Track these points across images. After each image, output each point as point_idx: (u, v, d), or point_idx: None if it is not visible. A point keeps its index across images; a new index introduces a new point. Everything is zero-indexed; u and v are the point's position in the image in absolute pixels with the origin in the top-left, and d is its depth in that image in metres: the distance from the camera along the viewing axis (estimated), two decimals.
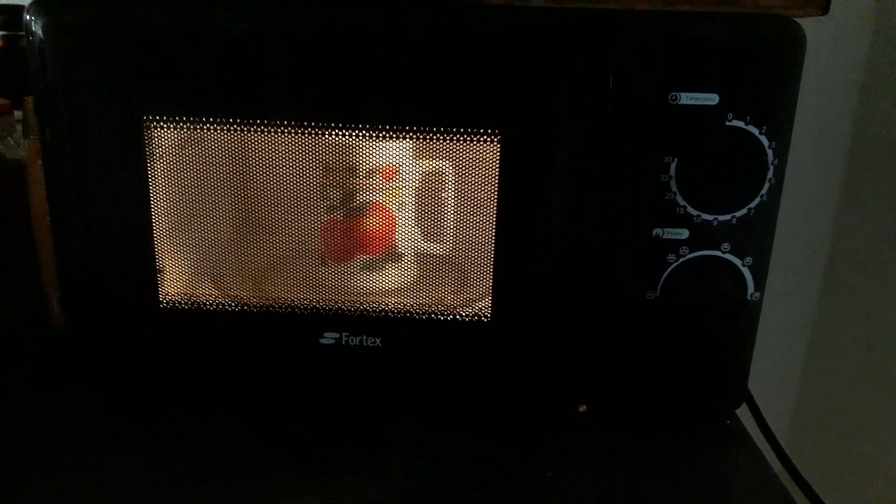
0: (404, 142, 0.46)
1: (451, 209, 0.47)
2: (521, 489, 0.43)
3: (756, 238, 0.44)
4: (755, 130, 0.42)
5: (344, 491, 0.42)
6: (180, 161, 0.45)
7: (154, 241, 0.45)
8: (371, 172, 0.48)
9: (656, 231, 0.44)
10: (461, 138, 0.43)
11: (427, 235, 0.49)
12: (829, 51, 0.74)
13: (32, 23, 0.41)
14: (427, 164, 0.48)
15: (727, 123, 0.42)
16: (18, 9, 0.60)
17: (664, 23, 0.41)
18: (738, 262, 0.45)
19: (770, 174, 0.43)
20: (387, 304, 0.47)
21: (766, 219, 0.44)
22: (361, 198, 0.48)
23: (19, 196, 0.55)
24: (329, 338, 0.47)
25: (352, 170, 0.48)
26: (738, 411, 0.50)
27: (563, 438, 0.48)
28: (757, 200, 0.44)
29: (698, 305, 0.45)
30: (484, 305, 0.46)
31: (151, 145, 0.43)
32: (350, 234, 0.49)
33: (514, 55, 0.42)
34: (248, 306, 0.46)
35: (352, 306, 0.46)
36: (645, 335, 0.46)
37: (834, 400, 0.82)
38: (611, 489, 0.43)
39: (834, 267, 0.81)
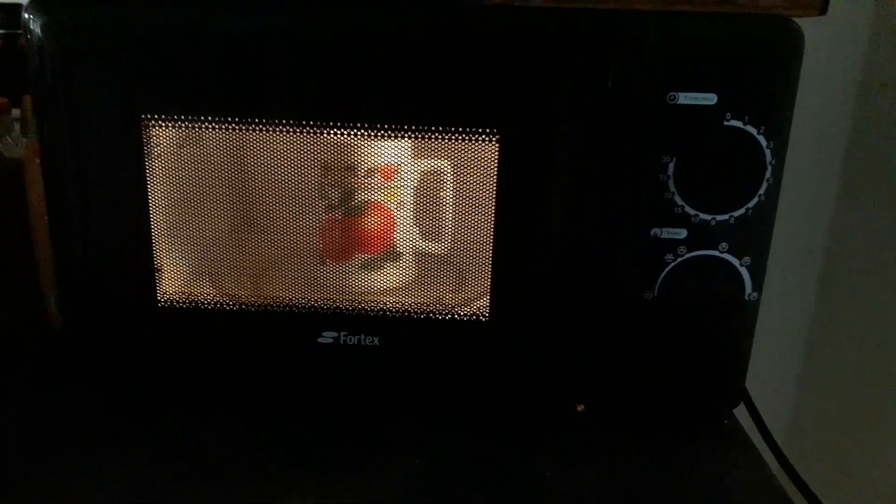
0: (403, 141, 0.46)
1: (449, 208, 0.47)
2: (521, 489, 0.43)
3: (754, 238, 0.44)
4: (753, 130, 0.42)
5: (344, 491, 0.42)
6: (179, 160, 0.45)
7: (152, 240, 0.45)
8: (370, 172, 0.48)
9: (654, 231, 0.44)
10: (460, 137, 0.43)
11: (425, 235, 0.49)
12: (828, 51, 0.74)
13: (31, 21, 0.41)
14: (426, 164, 0.48)
15: (725, 123, 0.42)
16: (17, 7, 0.59)
17: (663, 23, 0.42)
18: (735, 261, 0.45)
19: (768, 174, 0.43)
20: (385, 304, 0.47)
21: (763, 219, 0.44)
22: (360, 197, 0.48)
23: (17, 195, 0.55)
24: (327, 337, 0.47)
25: (350, 169, 0.48)
26: (735, 411, 0.51)
27: (561, 438, 0.48)
28: (755, 200, 0.44)
29: (696, 305, 0.46)
30: (482, 305, 0.46)
31: (150, 144, 0.43)
32: (349, 233, 0.49)
33: (512, 55, 0.42)
34: (247, 305, 0.46)
35: (350, 305, 0.46)
36: (643, 335, 0.46)
37: (831, 400, 0.83)
38: (610, 489, 0.43)
39: (832, 267, 0.82)
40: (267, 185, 0.45)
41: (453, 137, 0.43)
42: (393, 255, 0.50)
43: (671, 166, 0.43)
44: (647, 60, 0.41)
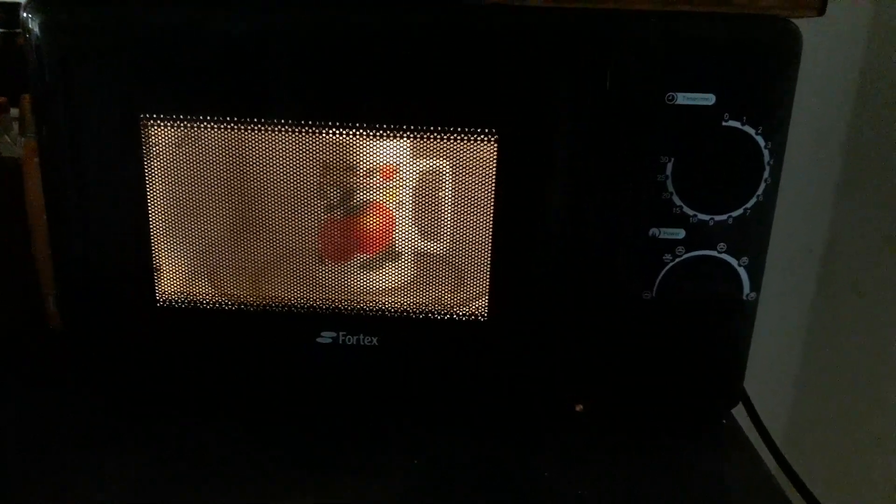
0: (402, 141, 0.46)
1: (448, 208, 0.47)
2: (520, 489, 0.43)
3: (752, 238, 0.45)
4: (751, 131, 0.42)
5: (344, 491, 0.42)
6: (178, 159, 0.45)
7: (151, 239, 0.45)
8: (369, 171, 0.48)
9: (652, 231, 0.44)
10: (458, 138, 0.43)
11: (424, 234, 0.49)
12: (826, 51, 0.74)
13: (29, 20, 0.41)
14: (425, 164, 0.48)
15: (724, 124, 0.42)
16: (15, 6, 0.59)
17: (661, 23, 0.42)
18: (734, 262, 0.45)
19: (766, 174, 0.43)
20: (384, 304, 0.47)
21: (762, 219, 0.44)
22: (359, 197, 0.48)
23: (16, 194, 0.55)
24: (326, 337, 0.47)
25: (350, 169, 0.48)
26: (734, 411, 0.51)
27: (561, 438, 0.48)
28: (753, 200, 0.44)
29: (694, 305, 0.46)
30: (481, 305, 0.46)
31: (149, 143, 0.43)
32: (348, 233, 0.49)
33: (511, 55, 0.42)
34: (245, 305, 0.46)
35: (349, 305, 0.46)
36: (641, 335, 0.46)
37: (830, 400, 0.83)
38: (609, 489, 0.43)
39: (830, 267, 0.82)
40: (266, 184, 0.45)
41: (452, 137, 0.43)
42: (392, 255, 0.50)
43: (669, 166, 0.43)
44: (646, 60, 0.41)
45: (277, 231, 0.46)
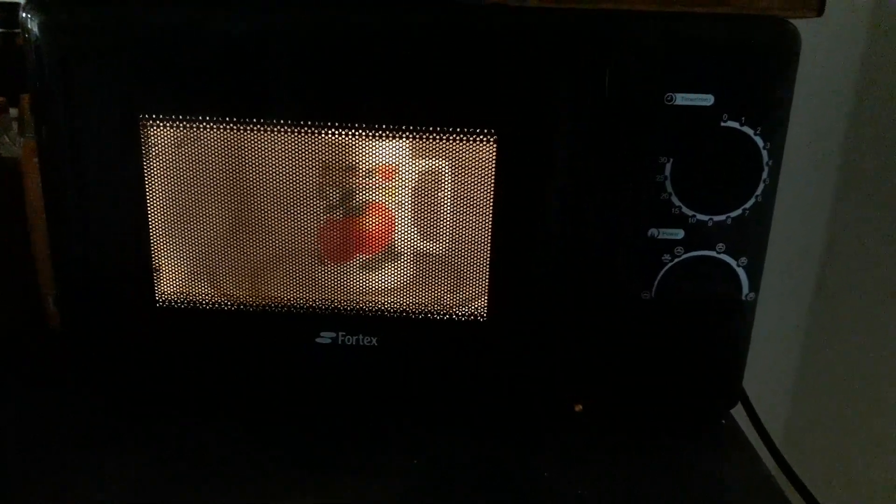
0: (401, 141, 0.46)
1: (447, 209, 0.47)
2: (520, 489, 0.43)
3: (751, 238, 0.45)
4: (750, 131, 0.42)
5: (343, 491, 0.42)
6: (177, 160, 0.45)
7: (150, 239, 0.45)
8: (368, 172, 0.48)
9: (651, 231, 0.44)
10: (457, 138, 0.43)
11: (424, 235, 0.49)
12: (825, 52, 0.74)
13: (29, 20, 0.41)
14: (424, 164, 0.48)
15: (722, 124, 0.42)
16: (14, 6, 0.59)
17: (660, 23, 0.42)
18: (732, 262, 0.45)
19: (765, 175, 0.43)
20: (383, 304, 0.47)
21: (760, 219, 0.44)
22: (359, 197, 0.48)
23: (15, 194, 0.55)
24: (325, 337, 0.47)
25: (349, 169, 0.48)
26: (733, 411, 0.51)
27: (560, 438, 0.48)
28: (752, 201, 0.44)
29: (693, 305, 0.46)
30: (480, 305, 0.46)
31: (148, 144, 0.43)
32: (348, 233, 0.49)
33: (510, 55, 0.42)
34: (245, 305, 0.47)
35: (348, 306, 0.46)
36: (640, 335, 0.46)
37: (829, 400, 0.83)
38: (608, 489, 0.43)
39: (829, 267, 0.82)
40: (265, 185, 0.45)
41: (451, 138, 0.43)
42: (391, 255, 0.50)
43: (668, 167, 0.43)
44: (645, 61, 0.41)
45: (276, 231, 0.46)
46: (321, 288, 0.48)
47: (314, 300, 0.47)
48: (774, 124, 0.43)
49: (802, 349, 0.86)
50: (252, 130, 0.43)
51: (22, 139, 0.55)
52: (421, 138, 0.43)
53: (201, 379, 0.49)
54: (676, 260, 0.45)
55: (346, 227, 0.49)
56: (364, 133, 0.43)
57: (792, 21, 0.42)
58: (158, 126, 0.43)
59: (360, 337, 0.47)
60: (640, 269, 0.45)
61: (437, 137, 0.43)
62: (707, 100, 0.42)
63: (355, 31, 0.42)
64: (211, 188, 0.46)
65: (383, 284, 0.49)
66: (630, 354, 0.47)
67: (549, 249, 0.45)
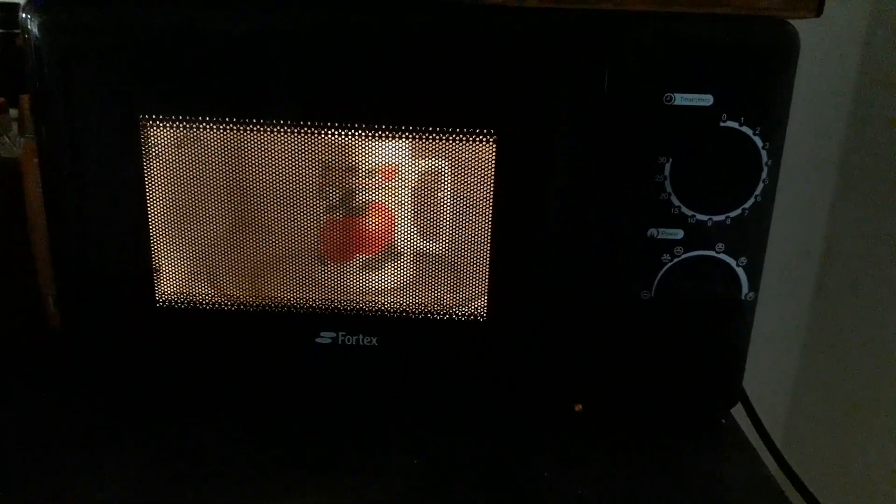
0: (401, 141, 0.46)
1: (447, 209, 0.47)
2: (520, 489, 0.43)
3: (750, 238, 0.45)
4: (749, 131, 0.43)
5: (343, 491, 0.42)
6: (177, 160, 0.45)
7: (150, 240, 0.45)
8: (368, 172, 0.48)
9: (651, 231, 0.44)
10: (457, 138, 0.43)
11: (424, 234, 0.49)
12: (824, 52, 0.74)
13: (29, 21, 0.41)
14: (424, 164, 0.48)
15: (721, 124, 0.42)
16: (14, 6, 0.59)
17: (659, 23, 0.42)
18: (732, 262, 0.45)
19: (764, 175, 0.43)
20: (383, 304, 0.47)
21: (760, 219, 0.44)
22: (359, 197, 0.49)
23: (15, 195, 0.55)
24: (325, 337, 0.47)
25: (349, 169, 0.48)
26: (733, 411, 0.51)
27: (560, 438, 0.48)
28: (751, 201, 0.44)
29: (693, 305, 0.46)
30: (480, 305, 0.46)
31: (148, 144, 0.43)
32: (348, 233, 0.49)
33: (510, 55, 0.42)
34: (245, 305, 0.47)
35: (348, 306, 0.46)
36: (640, 335, 0.46)
37: (829, 399, 0.83)
38: (608, 489, 0.43)
39: (828, 267, 0.82)
40: (265, 185, 0.45)
41: (451, 138, 0.43)
42: (392, 255, 0.50)
43: (668, 167, 0.43)
44: (644, 61, 0.42)
45: (276, 231, 0.46)
46: (321, 288, 0.48)
47: (314, 300, 0.47)
48: (774, 124, 0.43)
49: (802, 349, 0.86)
50: (252, 131, 0.43)
51: (22, 139, 0.55)
52: (421, 138, 0.43)
53: (201, 379, 0.49)
54: (676, 260, 0.45)
55: (346, 227, 0.49)
56: (364, 133, 0.43)
57: (791, 21, 0.42)
58: (158, 126, 0.43)
59: (360, 337, 0.47)
60: (639, 268, 0.45)
61: (437, 137, 0.43)
62: (706, 100, 0.42)
63: (355, 31, 0.42)
64: (211, 188, 0.46)
65: (383, 284, 0.49)
66: (630, 354, 0.47)
67: (548, 249, 0.45)
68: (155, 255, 0.45)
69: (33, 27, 0.41)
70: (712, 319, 0.46)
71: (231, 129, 0.43)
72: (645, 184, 0.43)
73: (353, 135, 0.43)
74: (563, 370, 0.48)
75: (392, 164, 0.48)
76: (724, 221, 0.44)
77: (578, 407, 0.49)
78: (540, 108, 0.43)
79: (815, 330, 0.84)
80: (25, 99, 0.54)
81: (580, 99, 0.42)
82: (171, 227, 0.46)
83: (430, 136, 0.43)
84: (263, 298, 0.47)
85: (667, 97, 0.42)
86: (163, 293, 0.46)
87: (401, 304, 0.47)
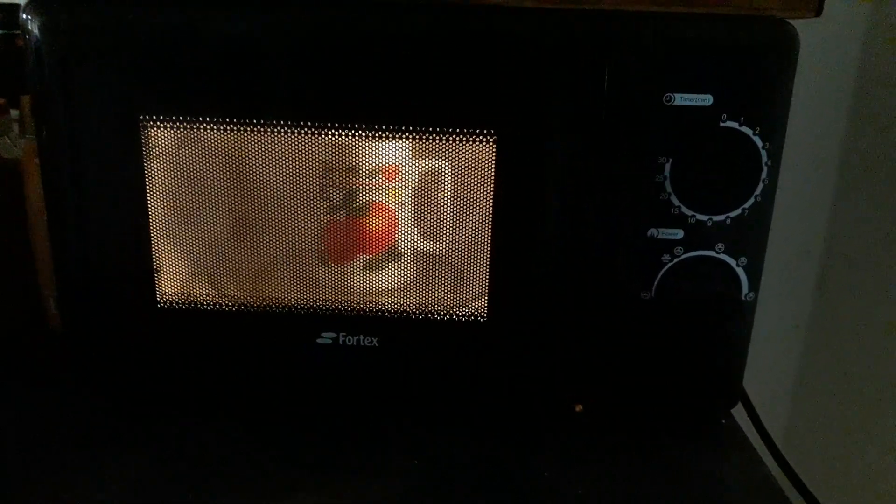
0: (401, 142, 0.46)
1: (447, 209, 0.47)
2: (520, 489, 0.43)
3: (750, 238, 0.45)
4: (749, 131, 0.43)
5: (344, 491, 0.42)
6: (177, 161, 0.45)
7: (151, 240, 0.45)
8: (368, 172, 0.48)
9: (651, 231, 0.44)
10: (457, 138, 0.43)
11: (424, 235, 0.49)
12: (823, 52, 0.74)
13: (29, 22, 0.41)
14: (424, 164, 0.48)
15: (721, 124, 0.42)
16: (14, 7, 0.60)
17: (659, 23, 0.42)
18: (732, 262, 0.45)
19: (764, 175, 0.43)
20: (384, 304, 0.47)
21: (760, 219, 0.44)
22: (359, 198, 0.49)
23: (16, 195, 0.55)
24: (326, 338, 0.47)
25: (349, 170, 0.48)
26: (733, 411, 0.51)
27: (561, 438, 0.48)
28: (751, 201, 0.44)
29: (693, 305, 0.46)
30: (480, 305, 0.46)
31: (148, 145, 0.43)
32: (349, 234, 0.49)
33: (509, 55, 0.42)
34: (246, 306, 0.47)
35: (349, 306, 0.47)
36: (640, 335, 0.46)
37: (829, 399, 0.83)
38: (608, 489, 0.43)
39: (828, 267, 0.82)
40: (266, 185, 0.46)
41: (450, 138, 0.43)
42: (393, 255, 0.50)
43: (668, 167, 0.43)
44: (644, 61, 0.42)
45: (277, 232, 0.46)
46: (322, 288, 0.48)
47: (315, 301, 0.47)
48: (773, 124, 0.43)
49: (803, 349, 0.86)
50: (253, 131, 0.43)
51: (23, 140, 0.55)
52: (421, 139, 0.43)
53: (202, 379, 0.49)
54: (676, 260, 0.45)
55: (348, 227, 0.49)
56: (364, 134, 0.43)
57: (791, 21, 0.43)
58: (159, 127, 0.43)
59: (361, 337, 0.47)
60: (639, 269, 0.45)
61: (437, 138, 0.43)
62: (706, 100, 0.42)
63: (356, 31, 0.42)
64: (212, 189, 0.46)
65: (384, 285, 0.49)
66: (630, 354, 0.47)
67: (549, 249, 0.45)
68: (156, 255, 0.45)
69: (34, 28, 0.41)
70: (712, 319, 0.46)
71: (232, 130, 0.43)
72: (645, 184, 0.43)
73: (354, 135, 0.43)
74: (563, 370, 0.48)
75: (392, 164, 0.48)
76: (724, 221, 0.44)
77: (579, 407, 0.49)
78: (540, 108, 0.43)
79: (815, 330, 0.84)
80: (26, 99, 0.54)
81: (580, 99, 0.42)
82: (171, 228, 0.46)
83: (430, 137, 0.43)
84: (264, 299, 0.47)
85: (667, 97, 0.42)
86: (164, 294, 0.46)
87: (401, 305, 0.47)
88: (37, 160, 0.48)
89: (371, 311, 0.46)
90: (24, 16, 0.41)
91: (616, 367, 0.47)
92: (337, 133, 0.43)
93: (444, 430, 0.48)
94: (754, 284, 0.46)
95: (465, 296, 0.47)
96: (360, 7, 0.42)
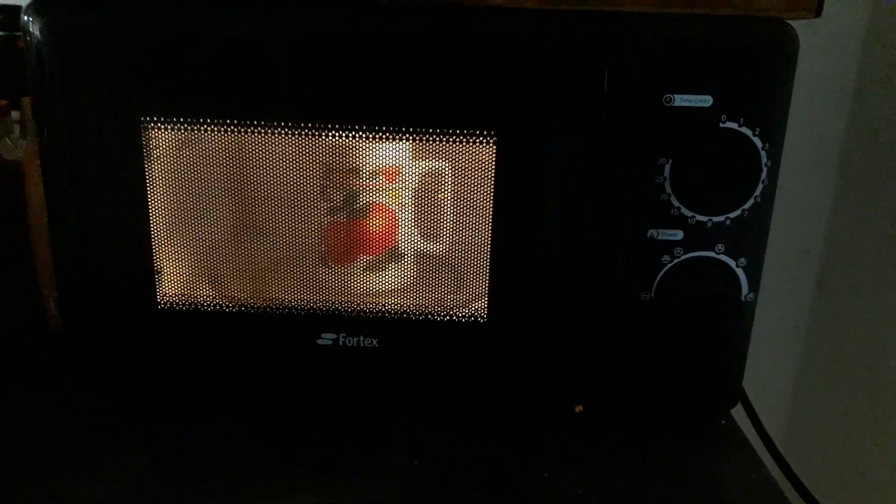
0: (401, 143, 0.46)
1: (448, 210, 0.47)
2: (520, 489, 0.43)
3: (750, 239, 0.45)
4: (749, 132, 0.43)
5: (344, 491, 0.42)
6: (178, 162, 0.45)
7: (152, 242, 0.45)
8: (368, 174, 0.48)
9: (651, 232, 0.44)
10: (457, 140, 0.43)
11: (425, 236, 0.49)
12: (823, 52, 0.74)
13: (30, 24, 0.41)
14: (424, 165, 0.48)
15: (721, 125, 0.42)
16: (15, 9, 0.60)
17: (658, 24, 0.42)
18: (732, 262, 0.45)
19: (763, 176, 0.44)
20: (384, 305, 0.47)
21: (760, 220, 0.44)
22: (359, 199, 0.49)
23: (17, 197, 0.55)
24: (326, 338, 0.47)
25: (349, 171, 0.48)
26: (733, 411, 0.51)
27: (561, 438, 0.48)
28: (751, 202, 0.44)
29: (693, 306, 0.46)
30: (480, 306, 0.46)
31: (149, 146, 0.43)
32: (352, 235, 0.50)
33: (509, 57, 0.42)
34: (246, 307, 0.47)
35: (349, 307, 0.47)
36: (640, 336, 0.46)
37: (828, 400, 0.83)
38: (608, 489, 0.43)
39: (828, 268, 0.82)
40: (266, 187, 0.46)
41: (450, 140, 0.43)
42: (394, 256, 0.50)
43: (667, 168, 0.43)
44: (644, 62, 0.42)
45: (278, 233, 0.47)
46: (322, 290, 0.48)
47: (315, 302, 0.47)
48: (773, 125, 0.43)
49: (802, 349, 0.86)
50: (253, 132, 0.43)
51: (24, 142, 0.56)
52: (421, 140, 0.43)
53: (202, 380, 0.49)
54: (676, 261, 0.45)
55: (350, 228, 0.49)
56: (365, 135, 0.43)
57: (790, 22, 0.43)
58: (159, 128, 0.43)
59: (361, 338, 0.47)
60: (639, 269, 0.45)
61: (437, 139, 0.43)
62: (706, 101, 0.42)
63: (356, 33, 0.42)
64: (212, 190, 0.46)
65: (384, 286, 0.49)
66: (630, 355, 0.47)
67: (548, 250, 0.45)
68: (156, 256, 0.45)
69: (35, 29, 0.41)
70: (712, 320, 0.46)
71: (232, 131, 0.43)
72: (645, 185, 0.43)
73: (354, 136, 0.43)
74: (563, 371, 0.48)
75: (392, 165, 0.48)
76: (723, 222, 0.44)
77: (579, 408, 0.49)
78: (540, 109, 0.43)
79: (815, 330, 0.84)
80: (27, 101, 0.54)
81: (580, 100, 0.42)
82: (172, 229, 0.46)
83: (431, 138, 0.43)
84: (265, 300, 0.47)
85: (666, 98, 0.42)
86: (164, 295, 0.46)
87: (402, 306, 0.47)
88: (38, 162, 0.48)
89: (371, 312, 0.47)
90: (26, 17, 0.41)
91: (616, 367, 0.47)
92: (337, 134, 0.43)
93: (444, 430, 0.48)
94: (754, 285, 0.46)
95: (466, 296, 0.47)
96: (360, 7, 0.42)
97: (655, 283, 0.45)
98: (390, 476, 0.44)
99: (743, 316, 0.46)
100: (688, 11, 0.42)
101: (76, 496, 0.41)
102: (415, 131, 0.43)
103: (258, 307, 0.47)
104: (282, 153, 0.44)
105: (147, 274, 0.45)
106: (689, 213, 0.44)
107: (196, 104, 0.43)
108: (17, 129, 0.58)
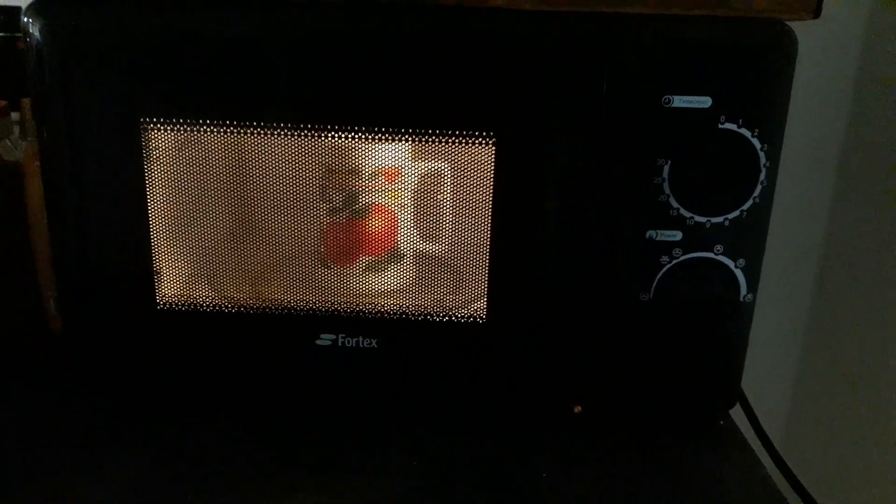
0: (401, 144, 0.46)
1: (447, 210, 0.47)
2: (520, 489, 0.43)
3: (749, 240, 0.45)
4: (748, 133, 0.43)
5: (344, 491, 0.42)
6: (178, 163, 0.45)
7: (151, 242, 0.45)
8: (368, 174, 0.48)
9: (650, 233, 0.44)
10: (456, 140, 0.43)
11: (424, 236, 0.49)
12: (822, 53, 0.74)
13: (30, 25, 0.41)
14: (424, 166, 0.48)
15: (720, 126, 0.42)
16: (15, 10, 0.60)
17: (658, 25, 0.42)
18: (730, 263, 0.45)
19: (762, 176, 0.44)
20: (383, 306, 0.47)
21: (758, 221, 0.45)
22: (359, 200, 0.49)
23: (17, 197, 0.55)
24: (325, 339, 0.47)
25: (349, 172, 0.48)
26: (732, 412, 0.51)
27: (560, 439, 0.48)
28: (749, 203, 0.44)
29: (692, 307, 0.46)
30: (479, 307, 0.46)
31: (149, 147, 0.43)
32: (352, 236, 0.50)
33: (509, 57, 0.42)
34: (245, 308, 0.47)
35: (348, 308, 0.47)
36: (639, 336, 0.46)
37: (827, 400, 0.83)
38: (608, 489, 0.43)
39: (827, 269, 0.82)
40: (266, 188, 0.46)
41: (450, 140, 0.43)
42: (394, 257, 0.50)
43: (666, 169, 0.43)
44: (643, 63, 0.42)
45: (277, 234, 0.47)
46: (321, 290, 0.48)
47: (314, 302, 0.47)
48: (772, 126, 0.43)
49: (801, 350, 0.86)
50: (253, 133, 0.43)
51: (24, 142, 0.56)
52: (420, 141, 0.43)
53: (202, 380, 0.49)
54: (675, 261, 0.45)
55: (349, 229, 0.49)
56: (364, 136, 0.43)
57: (789, 23, 0.43)
58: (159, 129, 0.43)
59: (360, 339, 0.47)
60: (638, 270, 0.45)
61: (437, 140, 0.43)
62: (705, 102, 0.42)
63: (356, 33, 0.42)
64: (212, 191, 0.46)
65: (384, 286, 0.49)
66: (629, 355, 0.47)
67: (548, 251, 0.45)
68: (155, 257, 0.45)
69: (35, 30, 0.41)
70: (711, 321, 0.46)
71: (232, 132, 0.43)
72: (644, 185, 0.43)
73: (354, 137, 0.43)
74: (563, 371, 0.48)
75: (392, 166, 0.48)
76: (722, 223, 0.44)
77: (578, 408, 0.49)
78: (539, 110, 0.43)
79: (815, 330, 0.84)
80: (27, 102, 0.55)
81: (579, 101, 0.42)
82: (172, 230, 0.46)
83: (430, 139, 0.43)
84: (264, 301, 0.47)
85: (665, 99, 0.42)
86: (163, 295, 0.46)
87: (400, 306, 0.47)
88: (37, 162, 0.48)
89: (370, 313, 0.47)
90: (26, 18, 0.41)
91: (615, 367, 0.47)
92: (337, 135, 0.43)
93: (444, 430, 0.48)
94: (752, 286, 0.46)
95: (465, 297, 0.47)
96: (360, 8, 0.42)
97: (654, 283, 0.45)
98: (390, 476, 0.44)
99: (742, 316, 0.46)
100: (687, 12, 0.42)
101: (76, 496, 0.41)
102: (414, 132, 0.43)
103: (257, 308, 0.47)
104: (281, 154, 0.44)
105: (146, 274, 0.45)
106: (687, 214, 0.44)
107: (196, 105, 0.43)
108: (16, 130, 0.58)
